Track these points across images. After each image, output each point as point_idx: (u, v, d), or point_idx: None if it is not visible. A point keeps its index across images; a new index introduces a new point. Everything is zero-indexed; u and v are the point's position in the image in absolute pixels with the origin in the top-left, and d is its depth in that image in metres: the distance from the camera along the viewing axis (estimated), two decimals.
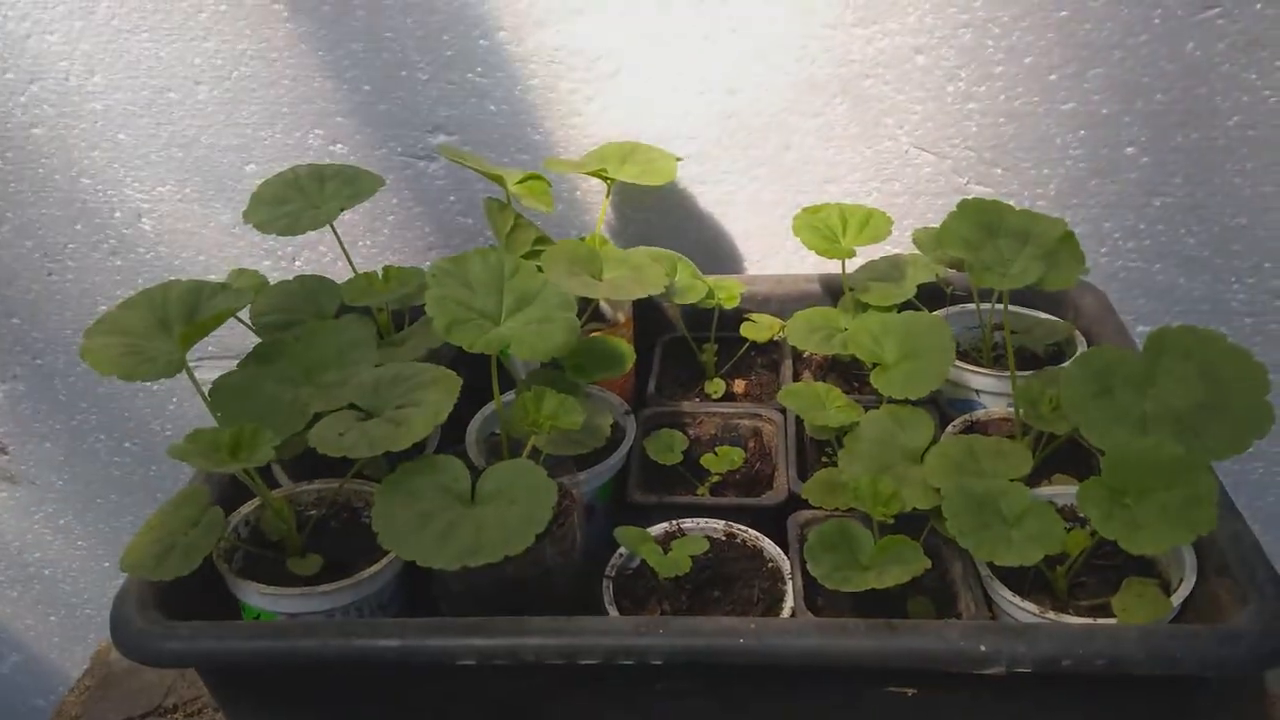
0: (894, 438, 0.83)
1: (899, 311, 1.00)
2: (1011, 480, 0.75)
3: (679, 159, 1.08)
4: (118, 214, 1.22)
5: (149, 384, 1.35)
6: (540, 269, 0.81)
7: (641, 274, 0.91)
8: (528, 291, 0.78)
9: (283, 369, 0.81)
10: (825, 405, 0.87)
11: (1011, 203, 1.12)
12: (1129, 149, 1.08)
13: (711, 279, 1.01)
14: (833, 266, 1.02)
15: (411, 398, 0.73)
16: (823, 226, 0.99)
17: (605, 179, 1.05)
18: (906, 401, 0.84)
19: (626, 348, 0.89)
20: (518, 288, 0.78)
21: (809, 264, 1.13)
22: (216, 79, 1.12)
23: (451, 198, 1.19)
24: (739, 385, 1.04)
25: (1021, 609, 0.71)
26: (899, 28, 1.03)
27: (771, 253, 1.20)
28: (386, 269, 0.95)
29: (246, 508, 0.82)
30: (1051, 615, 0.70)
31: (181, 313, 0.79)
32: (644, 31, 1.06)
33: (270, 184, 0.95)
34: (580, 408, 0.78)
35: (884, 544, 0.72)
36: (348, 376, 0.79)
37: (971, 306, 1.04)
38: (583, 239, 1.03)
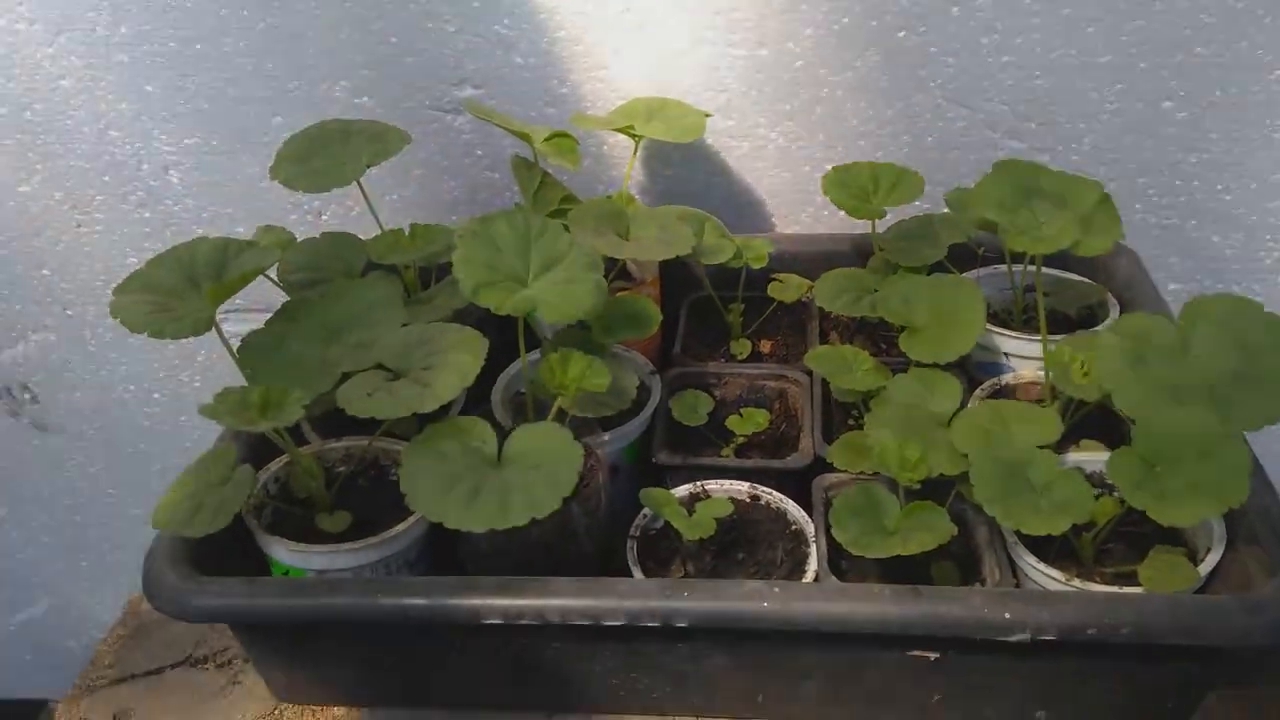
0: (922, 402, 0.82)
1: (929, 274, 0.99)
2: (1040, 447, 0.74)
3: (708, 114, 1.06)
4: (145, 166, 1.22)
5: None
6: (567, 229, 0.80)
7: (669, 234, 0.90)
8: (555, 252, 0.78)
9: (309, 328, 0.81)
10: (853, 368, 0.86)
11: (1045, 159, 1.11)
12: (1166, 103, 1.05)
13: (740, 238, 1.00)
14: (863, 225, 1.01)
15: (439, 359, 0.73)
16: (854, 185, 0.98)
17: (633, 135, 1.04)
18: (935, 365, 0.83)
19: (653, 308, 0.89)
20: (545, 248, 0.78)
21: (838, 221, 1.12)
22: (243, 30, 1.11)
23: (479, 152, 1.18)
24: (765, 346, 1.04)
25: (1047, 576, 0.71)
26: None
27: (799, 208, 1.18)
28: (414, 227, 0.95)
29: (275, 465, 0.82)
30: (1077, 583, 0.70)
31: (210, 271, 0.79)
32: None
33: (296, 139, 0.94)
34: (606, 370, 0.78)
35: (910, 509, 0.72)
36: (375, 336, 0.79)
37: (1003, 268, 1.02)
38: (610, 197, 1.02)
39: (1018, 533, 0.73)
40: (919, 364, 0.84)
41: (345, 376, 0.75)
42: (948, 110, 1.09)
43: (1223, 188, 1.10)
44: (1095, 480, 0.78)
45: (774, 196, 1.18)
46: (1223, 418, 0.67)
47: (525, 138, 0.97)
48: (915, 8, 1.02)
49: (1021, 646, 0.65)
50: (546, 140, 0.96)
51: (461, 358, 0.72)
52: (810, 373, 0.96)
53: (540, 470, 0.67)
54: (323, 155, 0.92)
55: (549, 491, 0.66)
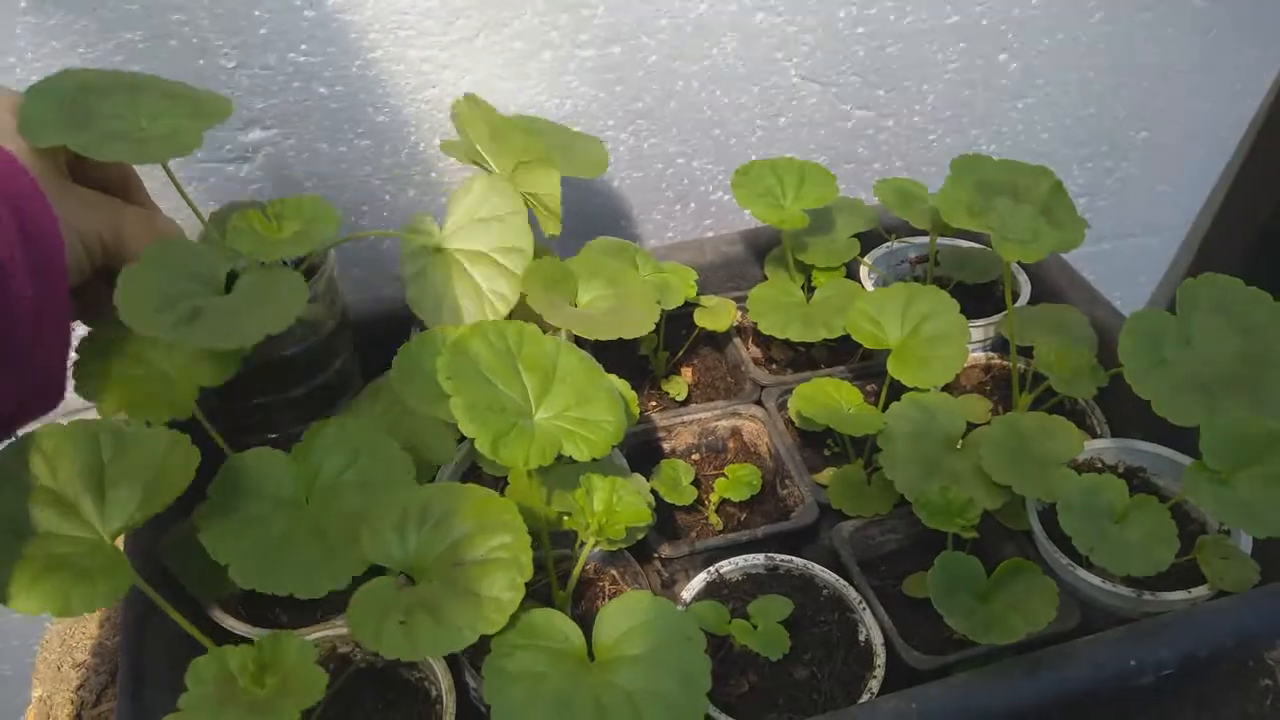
0: (927, 429, 0.78)
1: (846, 271, 0.94)
2: (1064, 463, 0.73)
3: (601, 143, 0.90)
4: None
5: None
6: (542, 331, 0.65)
7: (626, 299, 0.76)
8: (544, 360, 0.63)
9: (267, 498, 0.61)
10: (842, 406, 0.80)
11: (890, 123, 1.09)
12: (1002, 56, 1.07)
13: (665, 264, 0.89)
14: (747, 220, 0.94)
15: (470, 549, 0.57)
16: (760, 188, 0.89)
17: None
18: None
19: (629, 392, 0.76)
20: (531, 360, 0.63)
21: (690, 217, 1.05)
22: None
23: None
24: (686, 374, 0.95)
25: (1115, 594, 0.70)
26: None
27: (650, 207, 1.09)
28: (273, 203, 0.68)
29: None
30: (1149, 595, 0.69)
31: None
32: None
33: (48, 94, 0.61)
34: (635, 492, 0.65)
35: (1001, 574, 0.67)
36: (361, 505, 0.61)
37: (895, 245, 1.00)
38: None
39: (1063, 546, 0.71)
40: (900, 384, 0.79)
41: (357, 582, 0.57)
42: (801, 89, 1.03)
43: (1041, 128, 1.15)
44: (1086, 466, 0.78)
45: (626, 198, 1.07)
46: (1254, 403, 0.69)
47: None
48: None
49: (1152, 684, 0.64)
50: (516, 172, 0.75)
51: (501, 540, 0.57)
52: (760, 401, 0.88)
53: (659, 670, 0.55)
54: (110, 116, 0.62)
55: (688, 699, 0.53)
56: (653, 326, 0.73)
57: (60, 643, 0.87)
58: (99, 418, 0.60)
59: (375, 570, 0.58)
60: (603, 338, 0.70)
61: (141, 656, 0.63)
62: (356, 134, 0.93)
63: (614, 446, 0.71)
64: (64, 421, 0.58)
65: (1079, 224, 0.78)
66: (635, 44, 0.94)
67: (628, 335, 0.71)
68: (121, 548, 0.56)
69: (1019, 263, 0.98)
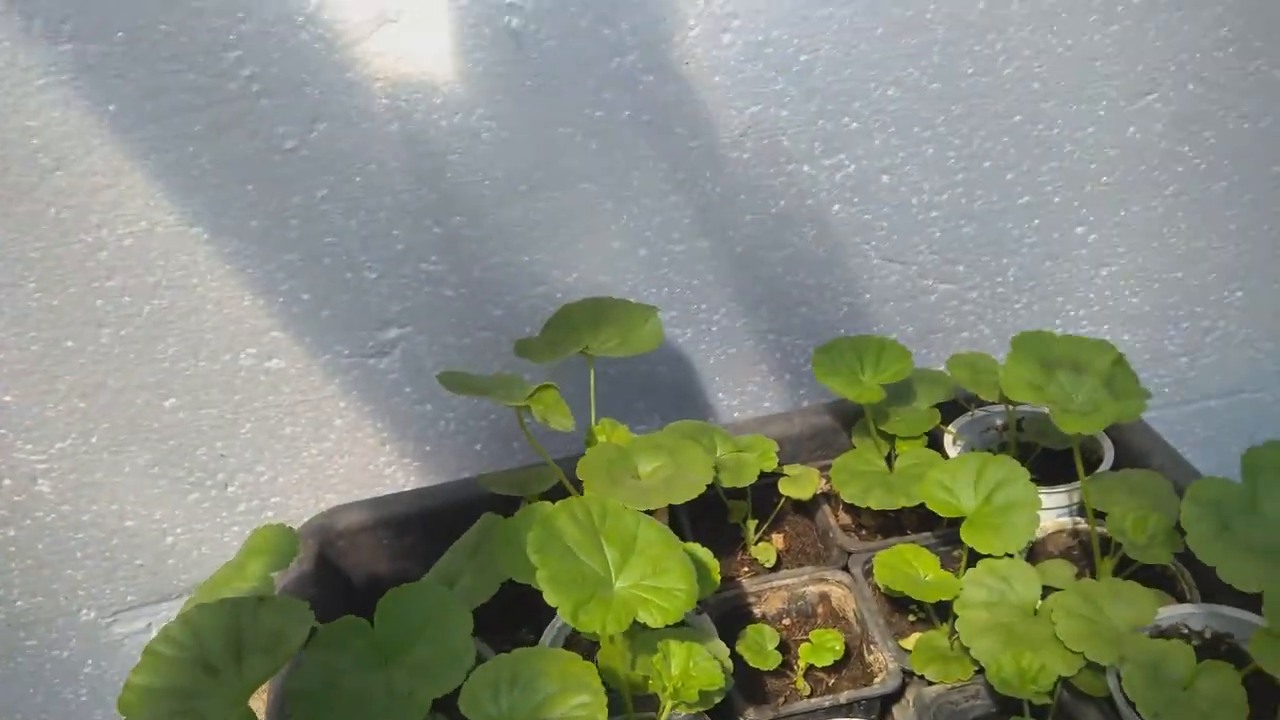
0: (1003, 597, 0.81)
1: (928, 440, 0.99)
2: (1138, 628, 0.74)
3: (654, 309, 1.00)
4: (7, 481, 1.03)
5: (59, 650, 1.16)
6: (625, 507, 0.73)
7: (683, 467, 0.84)
8: (625, 533, 0.71)
9: (361, 650, 0.70)
10: (919, 573, 0.84)
11: (973, 294, 1.15)
12: (1079, 229, 1.12)
13: (744, 439, 0.96)
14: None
15: (554, 711, 0.64)
16: (840, 366, 0.96)
17: (586, 355, 0.97)
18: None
19: (712, 561, 0.82)
20: (613, 533, 0.70)
21: (785, 385, 1.12)
22: (124, 318, 0.96)
23: (407, 389, 1.08)
24: (778, 540, 1.00)
25: None
26: (865, 153, 1.01)
27: (745, 379, 1.16)
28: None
29: None
30: None
31: (229, 648, 0.66)
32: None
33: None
34: (711, 659, 0.71)
35: None
36: (440, 652, 0.69)
37: (979, 412, 1.04)
38: (596, 430, 0.95)
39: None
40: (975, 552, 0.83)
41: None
42: (882, 268, 1.10)
43: (1130, 292, 1.18)
44: (1172, 633, 0.79)
45: (721, 374, 1.15)
46: None
47: (506, 400, 0.88)
48: (848, 181, 1.03)
49: None
50: (532, 398, 0.87)
51: (580, 700, 0.63)
52: (848, 567, 0.92)
53: None
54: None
55: None
56: (702, 490, 0.80)
57: None
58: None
59: None
60: (654, 506, 0.77)
61: None
62: (479, 327, 1.05)
63: (701, 613, 0.77)
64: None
65: (1139, 394, 0.81)
66: (722, 237, 1.04)
67: (677, 501, 0.78)
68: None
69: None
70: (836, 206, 1.04)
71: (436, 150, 0.93)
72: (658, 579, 0.69)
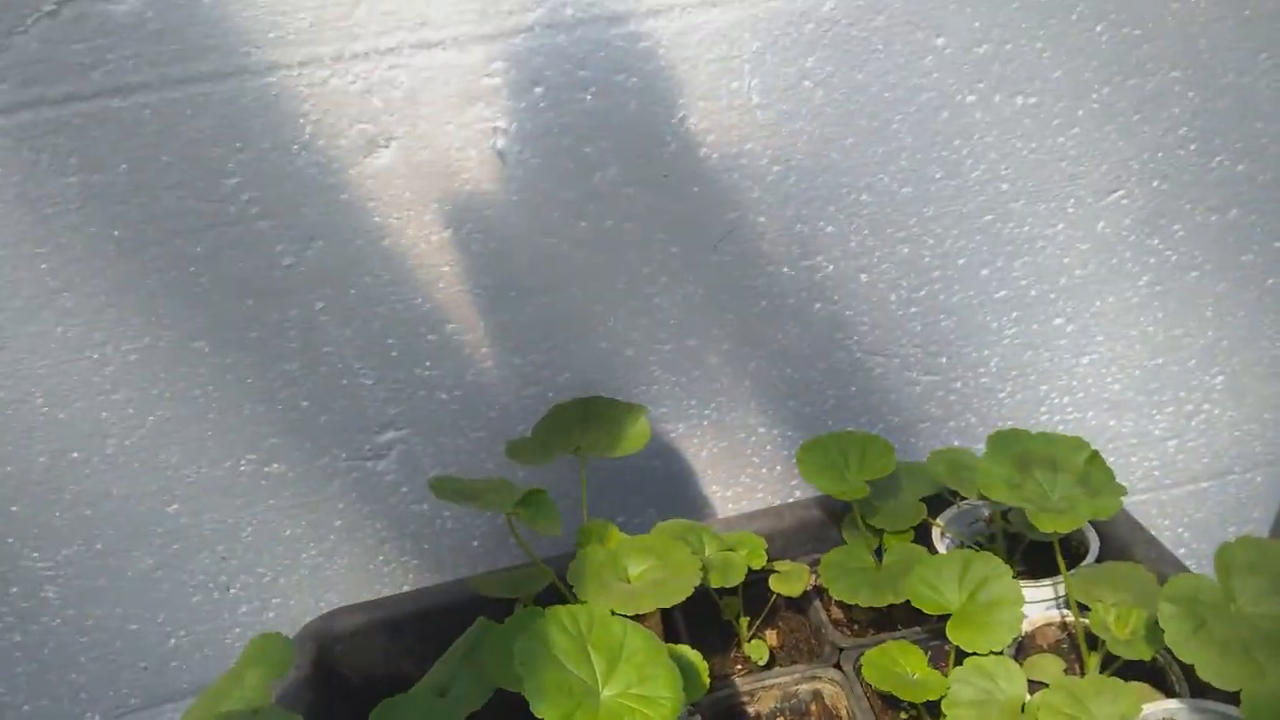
0: (990, 695, 0.82)
1: (915, 535, 1.01)
2: None
3: (644, 409, 1.04)
4: (14, 588, 1.05)
5: None
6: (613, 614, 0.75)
7: (671, 569, 0.86)
8: (612, 642, 0.72)
9: None
10: (906, 671, 0.85)
11: (957, 384, 1.17)
12: (1057, 320, 1.15)
13: (732, 536, 0.98)
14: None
15: None
16: (825, 463, 0.98)
17: (578, 454, 0.99)
18: None
19: (701, 664, 0.84)
20: (600, 641, 0.72)
21: (775, 478, 1.13)
22: (128, 429, 0.99)
23: (404, 489, 1.10)
24: (771, 637, 1.01)
25: None
26: (841, 254, 1.05)
27: (738, 471, 1.18)
28: None
29: None
30: None
31: None
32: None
33: None
34: None
35: None
36: None
37: (964, 506, 1.05)
38: (587, 530, 0.97)
39: None
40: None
41: None
42: (866, 361, 1.13)
43: (1111, 379, 1.20)
44: None
45: (714, 467, 1.17)
46: None
47: (494, 507, 0.90)
48: (827, 281, 1.06)
49: None
50: (520, 504, 0.89)
51: None
52: (839, 665, 0.93)
53: None
54: None
55: None
56: (690, 593, 0.82)
57: None
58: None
59: None
60: (644, 610, 0.79)
61: None
62: (474, 428, 1.08)
63: (694, 714, 0.78)
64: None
65: (1116, 490, 0.83)
66: (708, 335, 1.07)
67: (666, 604, 0.80)
68: None
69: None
70: (818, 305, 1.08)
71: (429, 263, 0.97)
72: (643, 687, 0.70)
